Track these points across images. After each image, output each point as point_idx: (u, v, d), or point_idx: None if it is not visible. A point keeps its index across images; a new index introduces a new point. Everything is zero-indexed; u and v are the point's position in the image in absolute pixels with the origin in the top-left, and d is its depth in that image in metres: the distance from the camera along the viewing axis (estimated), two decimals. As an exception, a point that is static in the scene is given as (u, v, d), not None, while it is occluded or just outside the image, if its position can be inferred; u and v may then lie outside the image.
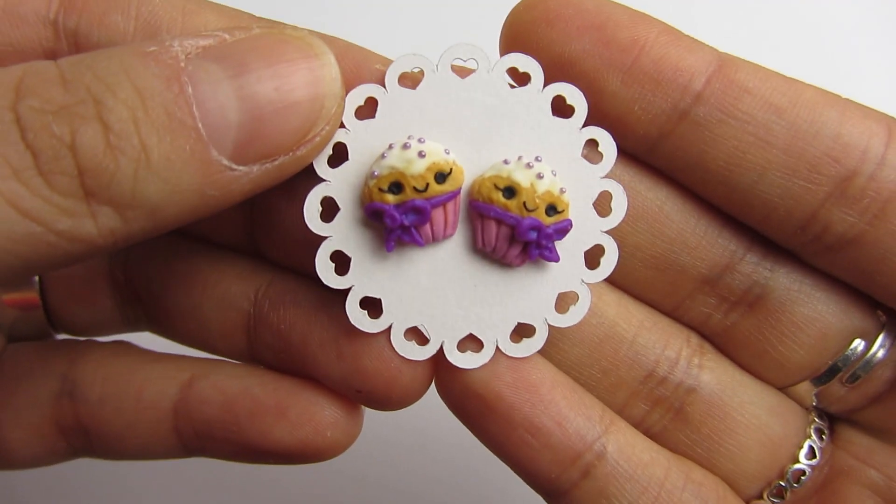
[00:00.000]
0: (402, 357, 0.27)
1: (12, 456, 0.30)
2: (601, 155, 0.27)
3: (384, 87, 0.26)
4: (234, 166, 0.22)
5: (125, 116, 0.21)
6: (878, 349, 0.28)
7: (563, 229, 0.26)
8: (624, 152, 0.27)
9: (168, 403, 0.29)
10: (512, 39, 0.26)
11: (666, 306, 0.29)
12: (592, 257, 0.27)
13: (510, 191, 0.26)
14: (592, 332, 0.28)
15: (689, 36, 0.26)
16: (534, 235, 0.26)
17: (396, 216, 0.25)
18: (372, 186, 0.25)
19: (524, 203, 0.25)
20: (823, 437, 0.29)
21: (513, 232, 0.26)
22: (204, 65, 0.22)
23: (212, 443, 0.29)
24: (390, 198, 0.25)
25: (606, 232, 0.27)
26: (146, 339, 0.32)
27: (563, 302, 0.27)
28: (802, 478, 0.29)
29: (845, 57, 0.52)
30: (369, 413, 0.30)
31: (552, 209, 0.26)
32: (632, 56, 0.25)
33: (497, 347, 0.27)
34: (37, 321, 0.31)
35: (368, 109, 0.26)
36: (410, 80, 0.26)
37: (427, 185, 0.25)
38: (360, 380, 0.27)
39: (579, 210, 0.27)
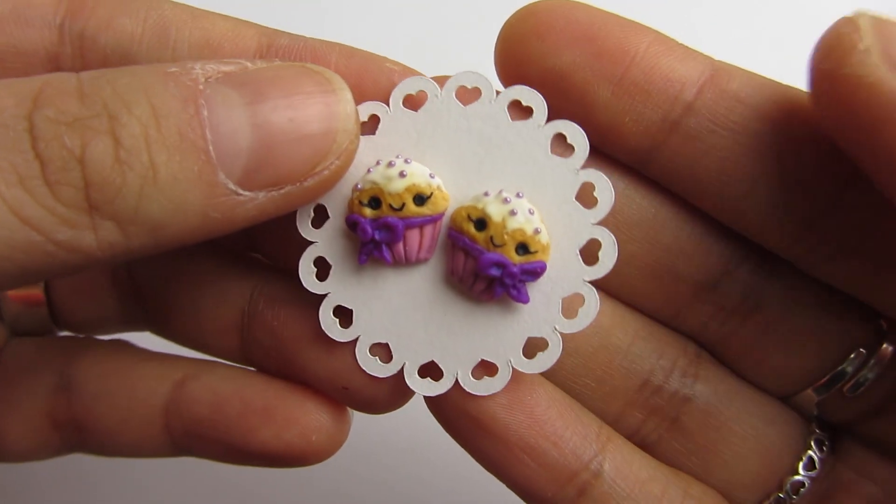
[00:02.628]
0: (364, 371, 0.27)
1: (7, 449, 0.31)
2: (596, 200, 0.25)
3: (388, 106, 0.27)
4: (241, 191, 0.22)
5: (137, 133, 0.21)
6: (881, 359, 0.27)
7: (533, 271, 0.25)
8: (618, 163, 0.27)
9: (160, 401, 0.30)
10: (505, 53, 0.26)
11: (663, 315, 0.29)
12: (570, 305, 0.26)
13: (481, 223, 0.25)
14: (587, 341, 0.28)
15: (682, 45, 0.25)
16: (496, 272, 0.25)
17: (368, 230, 0.26)
18: (353, 199, 0.26)
19: (491, 237, 0.25)
20: (824, 448, 0.29)
21: (476, 265, 0.25)
22: (222, 89, 0.22)
23: (200, 442, 0.30)
24: (368, 211, 0.26)
25: (590, 282, 0.25)
26: (145, 340, 0.33)
27: (532, 346, 0.26)
28: (801, 490, 0.28)
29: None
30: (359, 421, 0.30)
31: (523, 248, 0.25)
32: (622, 67, 0.25)
33: (456, 380, 0.26)
34: (40, 316, 0.32)
35: (371, 126, 0.27)
36: (415, 103, 0.27)
37: (403, 204, 0.25)
38: (347, 377, 0.28)
39: (563, 255, 0.26)
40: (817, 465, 0.28)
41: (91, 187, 0.21)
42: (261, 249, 0.31)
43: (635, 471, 0.27)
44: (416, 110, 0.27)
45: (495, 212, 0.25)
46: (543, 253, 0.25)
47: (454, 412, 0.27)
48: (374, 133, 0.27)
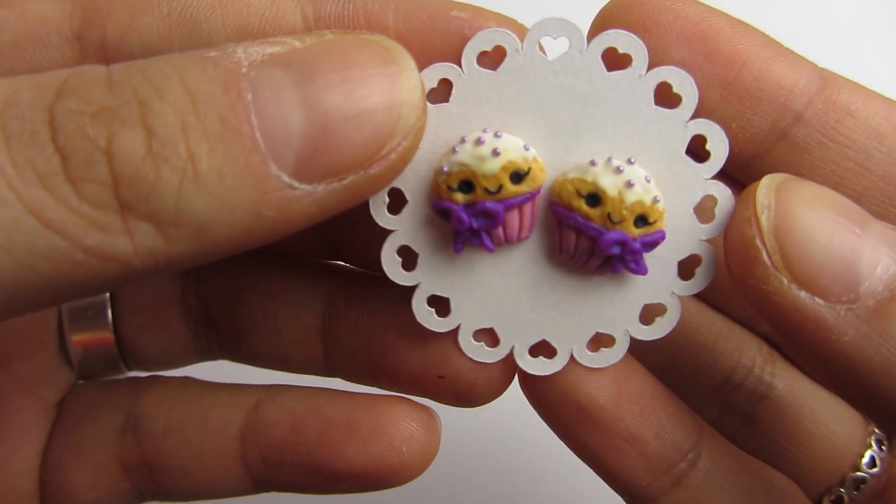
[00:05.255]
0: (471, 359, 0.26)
1: (76, 499, 0.28)
2: (709, 153, 0.23)
3: (460, 67, 0.23)
4: (296, 184, 0.19)
5: (172, 121, 0.18)
6: None
7: (653, 242, 0.23)
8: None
9: (234, 430, 0.28)
10: None
11: (742, 316, 0.29)
12: (687, 266, 0.24)
13: (594, 198, 0.23)
14: (675, 339, 0.27)
15: (790, 50, 0.25)
16: (617, 251, 0.23)
17: (465, 219, 0.23)
18: (440, 183, 0.23)
19: (608, 214, 0.22)
20: (883, 447, 0.30)
21: (594, 244, 0.23)
22: (268, 70, 0.19)
23: (280, 470, 0.28)
24: (459, 197, 0.23)
25: (706, 241, 0.24)
26: (213, 374, 0.30)
27: (649, 312, 0.24)
28: (862, 486, 0.29)
29: (846, 57, 0.48)
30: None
31: (642, 220, 0.23)
32: (734, 70, 0.24)
33: (572, 356, 0.25)
34: (110, 357, 0.30)
35: (442, 92, 0.23)
36: (491, 61, 0.23)
37: (500, 186, 0.23)
38: (444, 364, 0.26)
39: (678, 214, 0.23)
40: (878, 463, 0.29)
41: (120, 183, 0.18)
42: (341, 250, 0.28)
43: (728, 462, 0.27)
44: (493, 69, 0.23)
45: (609, 185, 0.22)
46: (661, 220, 0.23)
47: (559, 401, 0.26)
48: (447, 101, 0.23)
